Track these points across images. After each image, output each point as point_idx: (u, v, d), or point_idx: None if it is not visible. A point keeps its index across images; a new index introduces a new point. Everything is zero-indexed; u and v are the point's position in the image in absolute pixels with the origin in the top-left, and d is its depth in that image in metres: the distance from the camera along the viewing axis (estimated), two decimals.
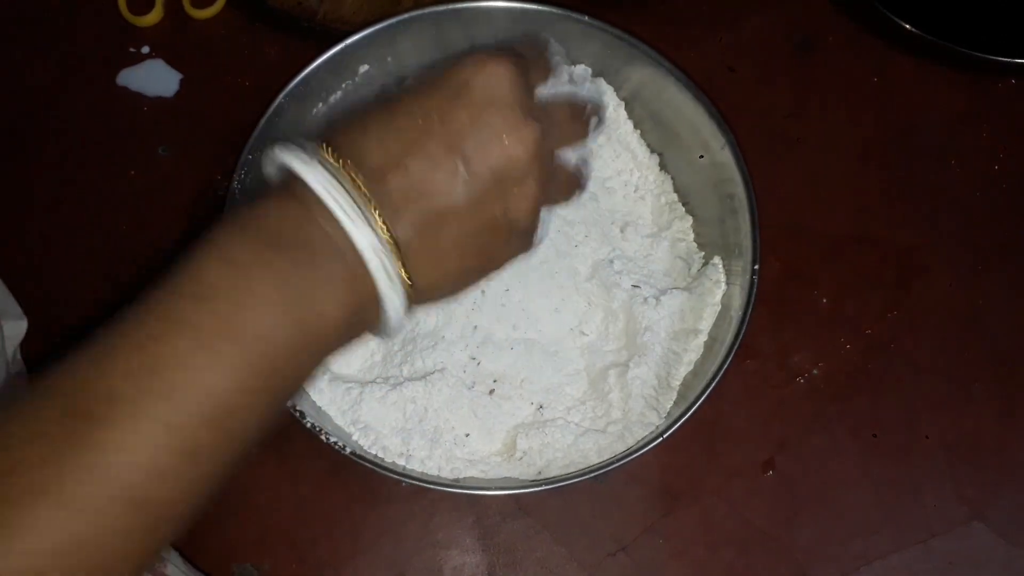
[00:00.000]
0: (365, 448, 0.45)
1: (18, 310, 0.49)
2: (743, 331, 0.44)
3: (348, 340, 0.31)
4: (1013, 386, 0.51)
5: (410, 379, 0.46)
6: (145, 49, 0.55)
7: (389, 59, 0.50)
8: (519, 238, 0.33)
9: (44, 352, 0.49)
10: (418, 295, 0.31)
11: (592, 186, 0.50)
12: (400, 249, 0.29)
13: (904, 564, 0.48)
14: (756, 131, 0.55)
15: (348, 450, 0.42)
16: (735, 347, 0.44)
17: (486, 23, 0.49)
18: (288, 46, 0.55)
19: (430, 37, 0.49)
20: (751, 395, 0.51)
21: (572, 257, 0.49)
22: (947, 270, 0.53)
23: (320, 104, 0.49)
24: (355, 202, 0.28)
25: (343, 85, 0.49)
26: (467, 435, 0.46)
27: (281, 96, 0.46)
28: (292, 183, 0.29)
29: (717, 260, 0.48)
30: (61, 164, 0.54)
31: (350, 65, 0.49)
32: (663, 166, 0.51)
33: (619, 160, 0.51)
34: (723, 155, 0.47)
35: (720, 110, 0.47)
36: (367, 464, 0.43)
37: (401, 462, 0.45)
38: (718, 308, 0.47)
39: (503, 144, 0.30)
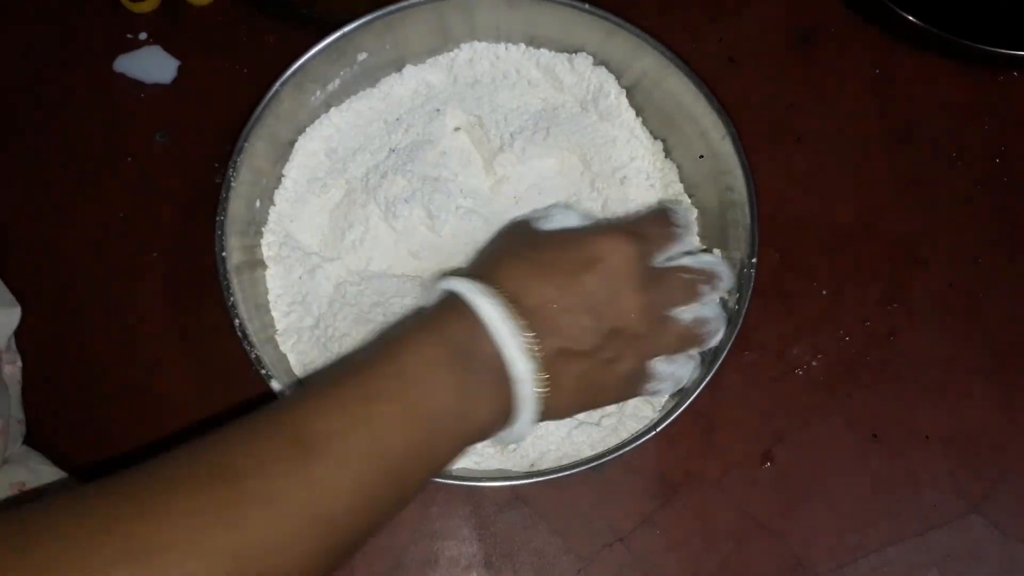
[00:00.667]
0: None
1: (10, 297, 0.48)
2: (739, 326, 0.44)
3: (484, 439, 0.37)
4: (1012, 380, 0.51)
5: None
6: (142, 36, 0.55)
7: (387, 47, 0.49)
8: (627, 384, 0.40)
9: (41, 339, 0.49)
10: (542, 416, 0.37)
11: (616, 175, 0.50)
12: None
13: (901, 556, 0.48)
14: (756, 122, 0.54)
15: None
16: (731, 341, 0.43)
17: (485, 10, 0.49)
18: (286, 34, 0.55)
19: (431, 24, 0.49)
20: (749, 387, 0.51)
21: None
22: (947, 263, 0.53)
23: (318, 92, 0.49)
24: (518, 332, 0.35)
25: (340, 73, 0.49)
26: None
27: (278, 84, 0.46)
28: (466, 307, 0.36)
29: (717, 253, 0.48)
30: (58, 149, 0.53)
31: (348, 53, 0.48)
32: (668, 153, 0.51)
33: (630, 146, 0.50)
34: (723, 146, 0.47)
35: (720, 101, 0.47)
36: None
37: None
38: None
39: (622, 308, 0.38)
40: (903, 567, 0.48)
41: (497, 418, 0.36)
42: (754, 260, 0.45)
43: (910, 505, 0.49)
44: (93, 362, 0.50)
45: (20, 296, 0.49)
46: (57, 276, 0.51)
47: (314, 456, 0.30)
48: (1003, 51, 0.53)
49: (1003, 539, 0.49)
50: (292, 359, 0.47)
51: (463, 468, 0.45)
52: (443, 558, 0.48)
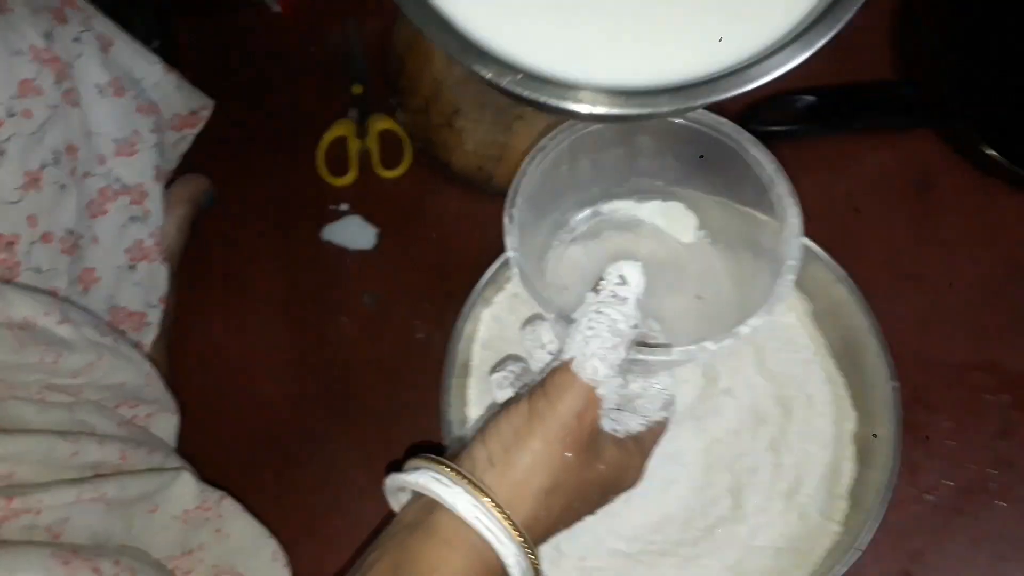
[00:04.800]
0: None
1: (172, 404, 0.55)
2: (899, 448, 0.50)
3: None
4: None
5: None
6: (344, 206, 0.63)
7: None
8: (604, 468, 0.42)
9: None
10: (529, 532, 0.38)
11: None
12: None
13: None
14: (880, 266, 0.60)
15: None
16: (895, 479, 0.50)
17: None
18: (469, 201, 0.62)
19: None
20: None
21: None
22: None
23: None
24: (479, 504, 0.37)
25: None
26: None
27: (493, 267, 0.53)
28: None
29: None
30: (279, 310, 0.62)
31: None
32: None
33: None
34: (837, 290, 0.53)
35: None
36: None
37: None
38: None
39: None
40: None
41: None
42: (896, 384, 0.50)
43: None
44: None
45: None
46: (265, 423, 0.60)
47: None
48: None
49: None
50: None
51: None
52: None
